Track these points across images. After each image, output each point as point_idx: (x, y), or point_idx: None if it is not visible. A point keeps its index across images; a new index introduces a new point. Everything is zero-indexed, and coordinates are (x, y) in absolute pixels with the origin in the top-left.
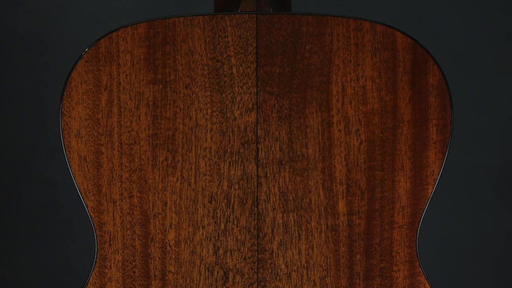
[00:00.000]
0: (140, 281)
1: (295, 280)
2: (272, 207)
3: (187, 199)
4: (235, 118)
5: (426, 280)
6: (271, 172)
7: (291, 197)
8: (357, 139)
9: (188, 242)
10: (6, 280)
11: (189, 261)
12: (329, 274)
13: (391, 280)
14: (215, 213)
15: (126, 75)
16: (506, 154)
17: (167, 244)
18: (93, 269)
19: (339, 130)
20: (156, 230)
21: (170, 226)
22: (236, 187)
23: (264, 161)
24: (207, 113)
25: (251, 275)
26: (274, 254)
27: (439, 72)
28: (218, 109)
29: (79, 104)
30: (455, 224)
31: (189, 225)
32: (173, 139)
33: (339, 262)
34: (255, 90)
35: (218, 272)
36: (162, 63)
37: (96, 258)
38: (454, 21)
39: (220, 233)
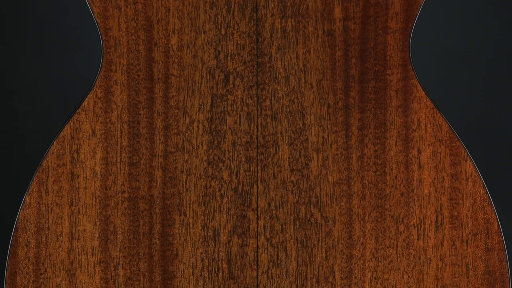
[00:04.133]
0: (144, 84)
1: (293, 83)
2: (271, 13)
3: (189, 5)
4: None
5: (418, 83)
6: None
7: (289, 3)
8: None
9: (190, 46)
10: (17, 87)
11: (191, 65)
12: (325, 77)
13: (385, 83)
14: (216, 19)
15: None
16: None
17: (170, 48)
18: (99, 72)
19: None
20: (159, 35)
21: (173, 31)
22: None
23: None
24: None
25: (250, 78)
26: (272, 58)
27: None
28: None
29: None
30: (447, 31)
31: (191, 30)
32: None
33: (335, 66)
34: None
35: (219, 76)
36: None
37: (102, 62)
38: None
39: (221, 38)
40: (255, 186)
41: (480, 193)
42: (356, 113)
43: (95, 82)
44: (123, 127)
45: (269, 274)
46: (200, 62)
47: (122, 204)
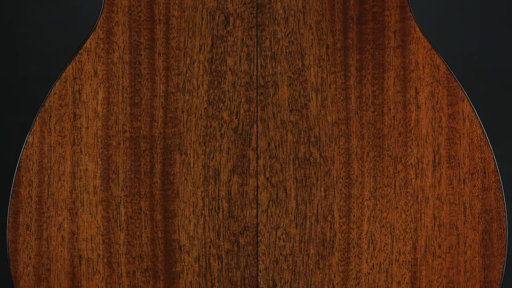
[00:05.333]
0: (145, 25)
1: (292, 24)
2: None
3: None
4: None
5: (416, 24)
6: None
7: None
8: None
9: None
10: (19, 29)
11: (191, 6)
12: (324, 19)
13: (383, 24)
14: None
15: None
16: None
17: None
18: (101, 14)
19: None
20: None
21: None
22: None
23: None
24: None
25: (250, 19)
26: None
27: None
28: None
29: None
30: None
31: None
32: None
33: (334, 7)
34: None
35: (219, 17)
36: None
37: (103, 4)
38: None
39: None
40: (255, 126)
41: (477, 132)
42: (354, 54)
43: (97, 23)
44: (124, 67)
45: (269, 213)
46: (200, 4)
47: (123, 144)
